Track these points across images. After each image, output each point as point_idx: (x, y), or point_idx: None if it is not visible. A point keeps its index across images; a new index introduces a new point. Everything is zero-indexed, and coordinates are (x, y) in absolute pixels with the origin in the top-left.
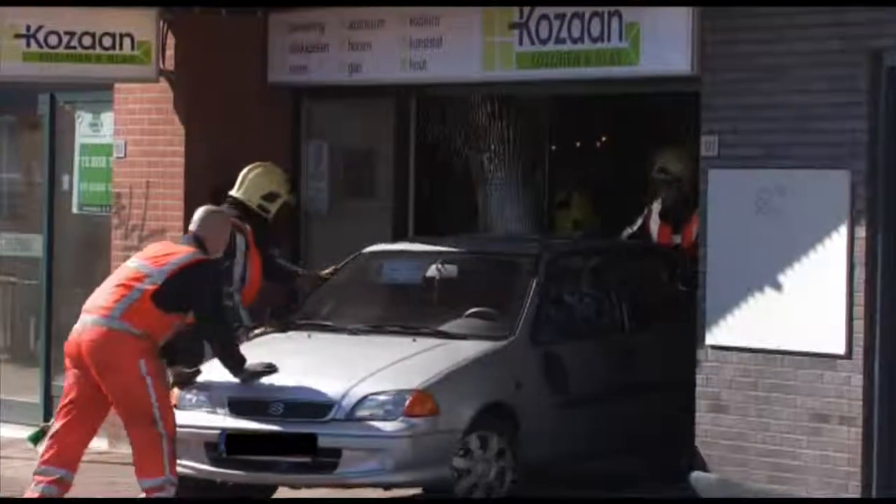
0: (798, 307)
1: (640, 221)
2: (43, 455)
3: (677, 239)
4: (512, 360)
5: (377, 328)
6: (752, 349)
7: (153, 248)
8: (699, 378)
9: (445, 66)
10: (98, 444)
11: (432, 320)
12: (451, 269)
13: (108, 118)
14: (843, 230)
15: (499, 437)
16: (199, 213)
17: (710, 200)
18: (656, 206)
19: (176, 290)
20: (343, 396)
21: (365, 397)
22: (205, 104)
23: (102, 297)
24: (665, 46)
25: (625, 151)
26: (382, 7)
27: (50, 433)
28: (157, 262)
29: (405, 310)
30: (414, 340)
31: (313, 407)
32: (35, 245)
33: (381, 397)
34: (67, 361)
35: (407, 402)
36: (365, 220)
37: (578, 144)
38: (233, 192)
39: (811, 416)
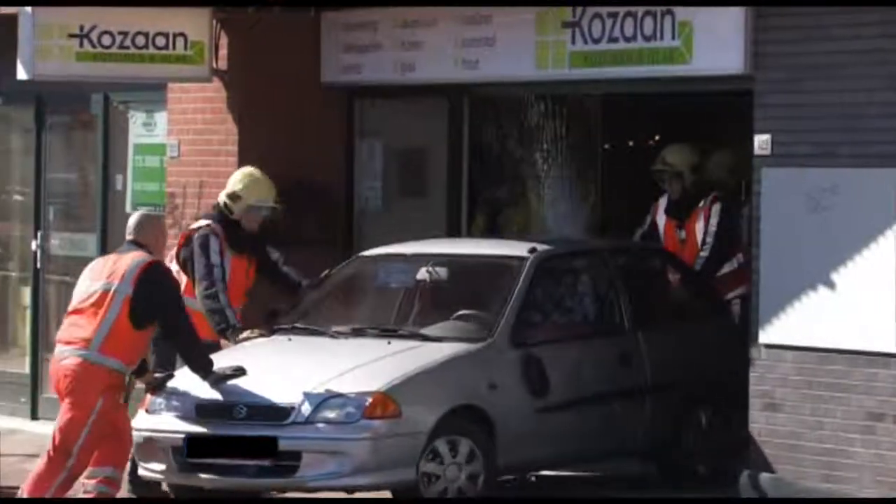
0: (851, 305)
1: (648, 219)
2: (26, 484)
3: (682, 234)
4: (487, 362)
5: (358, 331)
6: (806, 347)
7: (99, 266)
8: (753, 376)
9: (498, 66)
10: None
11: (414, 323)
12: (441, 272)
13: (161, 118)
14: (894, 228)
15: (469, 441)
16: (133, 219)
17: (764, 199)
18: (662, 202)
19: (143, 296)
20: (304, 399)
21: (325, 399)
22: (258, 104)
23: (80, 325)
24: (718, 45)
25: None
26: (435, 7)
27: (38, 466)
28: (113, 276)
29: (391, 313)
30: (389, 343)
31: (275, 410)
32: (89, 245)
33: (342, 399)
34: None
35: (367, 405)
36: (418, 218)
37: (631, 143)
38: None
39: (865, 414)
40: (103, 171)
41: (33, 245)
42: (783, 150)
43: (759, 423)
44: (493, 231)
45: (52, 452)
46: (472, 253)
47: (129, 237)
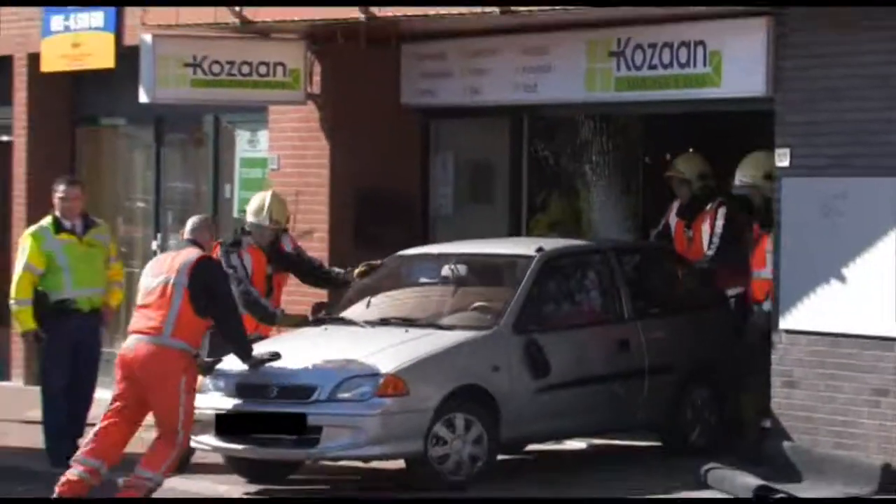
0: (859, 296)
1: (662, 221)
2: (83, 448)
3: (690, 234)
4: (491, 347)
5: (384, 321)
6: (820, 333)
7: (158, 263)
8: (774, 357)
9: (553, 89)
10: None
11: (433, 313)
12: (461, 269)
13: (263, 135)
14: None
15: (473, 416)
16: (190, 221)
17: (783, 205)
18: (675, 205)
19: (198, 286)
20: (326, 380)
21: (344, 380)
22: (346, 123)
23: (149, 315)
24: (743, 71)
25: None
26: (498, 37)
27: (93, 431)
28: (171, 270)
29: (415, 304)
30: (406, 331)
31: (301, 389)
32: None
33: (358, 380)
34: (120, 374)
35: (379, 384)
36: (484, 222)
37: (668, 156)
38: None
39: (871, 391)
40: (214, 181)
41: (153, 245)
42: (800, 162)
43: (779, 398)
44: (550, 230)
45: (160, 434)
46: (489, 252)
47: (186, 237)
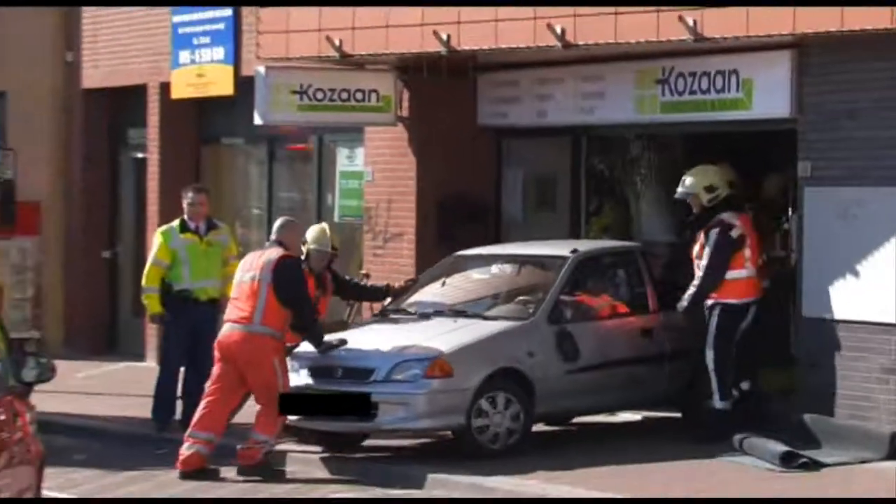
0: (871, 288)
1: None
2: (193, 424)
3: (696, 248)
4: (528, 335)
5: (438, 313)
6: (837, 320)
7: (249, 260)
8: (798, 341)
9: (608, 112)
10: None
11: (480, 306)
12: (507, 268)
13: (360, 152)
14: None
15: (510, 395)
16: (277, 223)
17: (806, 210)
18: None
19: (281, 281)
20: (383, 363)
21: (398, 364)
22: (430, 142)
23: (241, 307)
24: (771, 96)
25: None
26: (561, 67)
27: (199, 408)
28: (260, 268)
29: (465, 298)
30: (455, 321)
31: (362, 371)
32: None
33: (409, 363)
34: (218, 356)
35: (427, 367)
36: (548, 226)
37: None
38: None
39: (882, 370)
40: (318, 191)
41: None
42: (820, 174)
43: (802, 376)
44: (604, 232)
45: (262, 406)
46: (531, 253)
47: (273, 237)
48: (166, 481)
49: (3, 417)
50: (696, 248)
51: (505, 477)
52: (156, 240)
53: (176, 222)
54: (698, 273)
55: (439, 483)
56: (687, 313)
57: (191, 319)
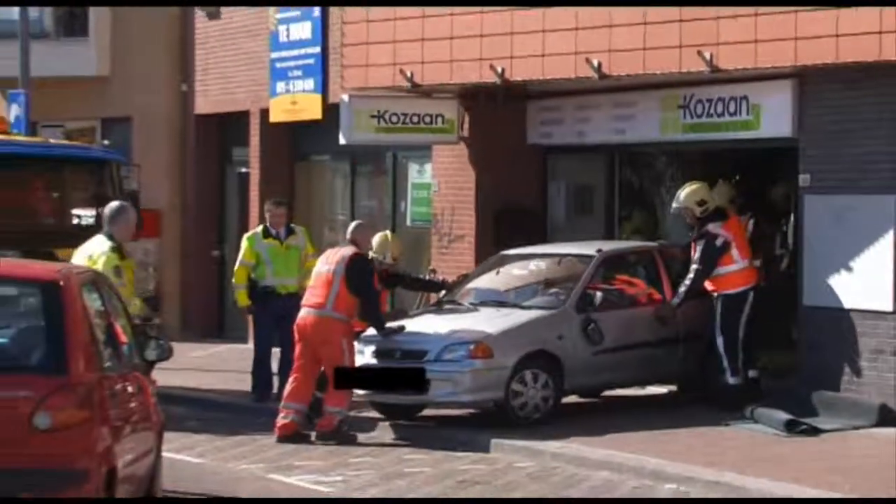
0: (863, 282)
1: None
2: (285, 397)
3: (694, 255)
4: (558, 322)
5: (482, 303)
6: (834, 307)
7: (327, 255)
8: (799, 326)
9: (637, 132)
10: None
11: (519, 297)
12: (542, 264)
13: (428, 167)
14: (890, 233)
15: (542, 372)
16: (351, 225)
17: (805, 216)
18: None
19: (351, 275)
20: (435, 346)
21: (447, 346)
22: (487, 158)
23: (316, 294)
24: (776, 118)
25: (745, 184)
26: (598, 95)
27: (289, 382)
28: (335, 262)
29: (507, 290)
30: (497, 310)
31: (417, 353)
32: None
33: (456, 346)
34: (297, 337)
35: (471, 349)
36: (586, 229)
37: (720, 180)
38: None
39: (871, 350)
40: (392, 199)
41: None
42: (818, 184)
43: (803, 356)
44: (634, 234)
45: (333, 382)
46: (563, 252)
47: (347, 237)
48: (266, 444)
49: (130, 390)
50: (693, 255)
51: (548, 441)
52: (243, 244)
53: (259, 228)
54: (689, 275)
55: (499, 446)
56: (678, 307)
57: (274, 310)
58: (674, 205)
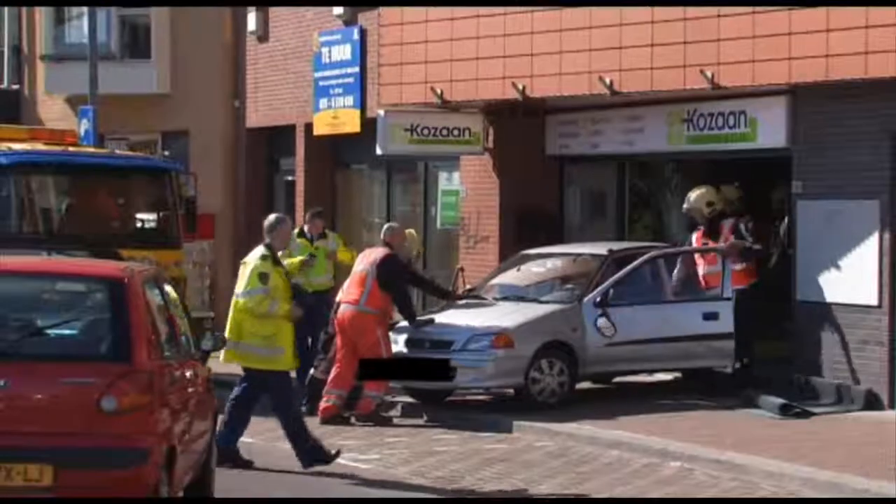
0: (850, 278)
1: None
2: (329, 383)
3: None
4: (573, 315)
5: (504, 298)
6: (823, 302)
7: (363, 255)
8: (793, 318)
9: (646, 144)
10: None
11: (538, 293)
12: (559, 262)
13: (456, 175)
14: (875, 234)
15: (559, 361)
16: (385, 227)
17: (798, 219)
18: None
19: (383, 274)
20: (460, 336)
21: (471, 337)
22: (510, 167)
23: (351, 291)
24: (771, 130)
25: (743, 190)
26: (610, 109)
27: (332, 370)
28: (369, 262)
29: (527, 286)
30: (517, 304)
31: (445, 343)
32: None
33: (480, 336)
34: (337, 329)
35: (493, 339)
36: (600, 231)
37: (721, 187)
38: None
39: (859, 340)
40: (424, 205)
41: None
42: (810, 190)
43: (796, 347)
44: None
45: None
46: (577, 252)
47: (382, 238)
48: (311, 425)
49: (188, 377)
50: (699, 243)
51: (565, 423)
52: None
53: (296, 230)
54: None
55: (520, 427)
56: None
57: (303, 306)
58: (684, 206)
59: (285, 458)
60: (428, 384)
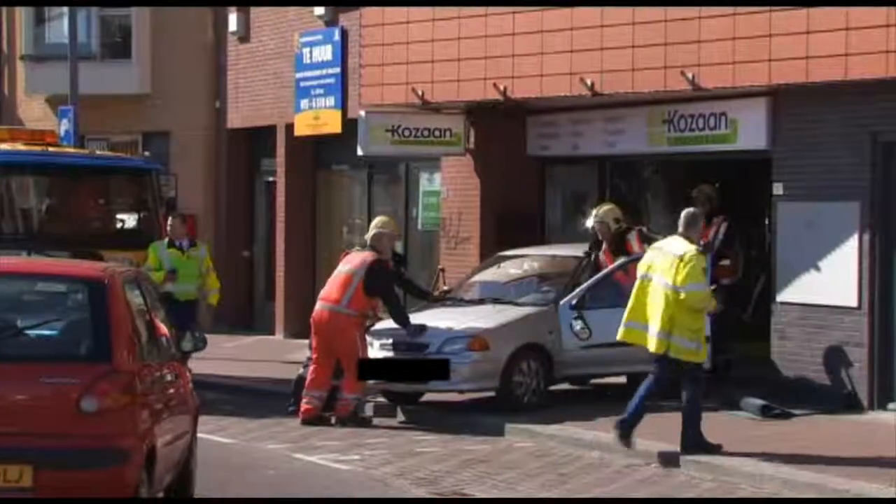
0: (830, 280)
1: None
2: (307, 385)
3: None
4: (549, 318)
5: (481, 300)
6: (803, 303)
7: (349, 257)
8: (773, 320)
9: (627, 145)
10: None
11: (515, 294)
12: (536, 264)
13: (437, 176)
14: (855, 236)
15: (535, 363)
16: (371, 232)
17: (778, 221)
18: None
19: (370, 278)
20: (436, 339)
21: (447, 339)
22: (491, 167)
23: (333, 291)
24: (752, 132)
25: (723, 191)
26: (590, 111)
27: (309, 373)
28: (357, 265)
29: (504, 288)
30: (494, 307)
31: (421, 346)
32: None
33: (455, 339)
34: (313, 330)
35: (469, 342)
36: (580, 232)
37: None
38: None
39: (838, 341)
40: (405, 205)
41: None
42: (790, 192)
43: (776, 347)
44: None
45: (347, 371)
46: (554, 254)
47: (368, 242)
48: (290, 427)
49: (168, 378)
50: (602, 265)
51: (546, 424)
52: (149, 252)
53: (165, 240)
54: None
55: (501, 429)
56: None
57: (172, 315)
58: (590, 220)
59: (265, 459)
60: (404, 387)
